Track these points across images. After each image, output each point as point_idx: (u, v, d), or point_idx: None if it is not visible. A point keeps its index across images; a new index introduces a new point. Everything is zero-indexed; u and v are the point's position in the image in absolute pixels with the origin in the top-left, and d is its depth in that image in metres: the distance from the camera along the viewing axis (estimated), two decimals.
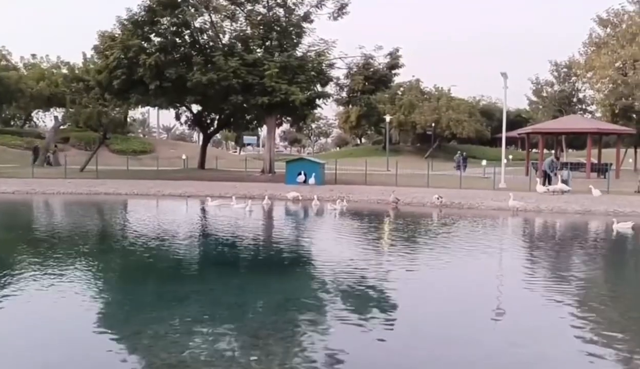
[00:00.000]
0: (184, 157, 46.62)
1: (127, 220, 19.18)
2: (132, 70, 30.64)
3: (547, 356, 6.46)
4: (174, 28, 32.26)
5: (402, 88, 69.28)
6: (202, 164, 42.13)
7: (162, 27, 32.13)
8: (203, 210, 20.84)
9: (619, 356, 6.40)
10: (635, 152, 52.02)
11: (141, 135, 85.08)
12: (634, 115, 44.60)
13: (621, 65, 45.04)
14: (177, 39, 32.89)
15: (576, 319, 7.71)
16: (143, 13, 31.17)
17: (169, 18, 31.53)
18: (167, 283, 9.69)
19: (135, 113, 49.15)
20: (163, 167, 39.65)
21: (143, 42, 31.51)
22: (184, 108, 41.82)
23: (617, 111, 44.22)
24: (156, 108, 48.55)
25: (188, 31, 33.13)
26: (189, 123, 46.36)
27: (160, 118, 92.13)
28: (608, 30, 47.03)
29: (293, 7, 33.34)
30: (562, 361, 6.36)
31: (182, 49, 33.03)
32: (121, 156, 50.69)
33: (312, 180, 27.98)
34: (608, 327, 7.46)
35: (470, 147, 73.00)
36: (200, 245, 14.01)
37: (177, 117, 43.92)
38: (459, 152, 55.18)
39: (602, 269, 11.93)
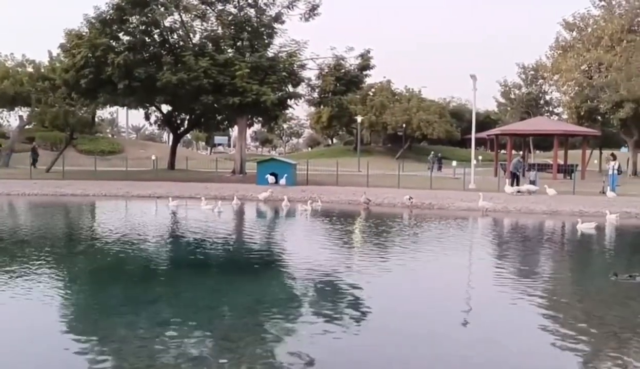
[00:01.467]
0: (153, 157, 45.95)
1: (93, 221, 18.87)
2: (100, 69, 30.10)
3: (516, 352, 6.56)
4: (144, 27, 31.79)
5: (373, 89, 69.58)
6: (172, 165, 41.65)
7: (131, 25, 31.64)
8: (172, 211, 20.61)
9: (584, 353, 6.54)
10: (600, 153, 53.27)
11: (110, 135, 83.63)
12: (599, 117, 45.62)
13: (587, 68, 46.02)
14: (147, 38, 32.43)
15: (542, 317, 7.85)
16: (112, 11, 30.65)
17: (138, 17, 31.05)
18: (136, 285, 9.56)
19: (104, 112, 48.29)
20: (132, 168, 39.07)
21: (111, 41, 30.99)
22: (153, 108, 41.26)
23: (582, 113, 45.15)
24: (125, 108, 47.80)
25: (158, 30, 32.71)
26: (158, 123, 45.75)
27: (130, 118, 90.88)
28: (574, 33, 48.00)
29: (264, 7, 33.22)
30: (530, 357, 6.47)
31: (152, 48, 32.57)
32: (89, 156, 49.73)
33: (283, 181, 27.91)
34: (573, 324, 7.61)
35: (441, 148, 73.70)
36: (168, 246, 13.83)
37: (147, 117, 43.31)
38: (432, 152, 55.97)
39: (567, 268, 12.17)
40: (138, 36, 31.59)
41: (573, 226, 16.90)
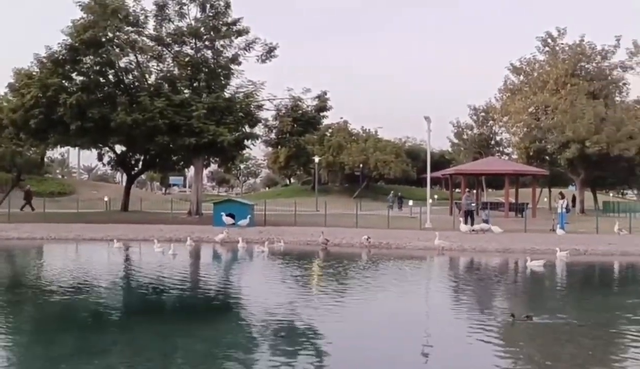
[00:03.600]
0: (106, 198, 44.87)
1: (41, 266, 18.09)
2: (52, 110, 29.47)
3: None
4: (98, 67, 31.44)
5: (330, 130, 70.36)
6: (125, 206, 40.72)
7: (85, 66, 31.26)
8: (125, 256, 20.03)
9: None
10: (550, 191, 54.99)
11: (60, 176, 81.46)
12: (547, 157, 47.30)
13: (534, 110, 47.89)
14: (101, 79, 32.10)
15: (498, 352, 7.90)
16: (64, 51, 30.24)
17: (92, 57, 30.73)
18: (86, 334, 9.15)
19: (54, 153, 47.19)
20: (84, 209, 37.97)
21: (64, 81, 30.50)
22: (107, 148, 40.57)
23: (531, 153, 46.75)
24: (77, 148, 46.81)
25: (112, 71, 32.42)
26: (112, 163, 44.95)
27: (81, 159, 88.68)
28: (521, 77, 50.06)
29: (221, 49, 33.41)
30: None
31: (106, 88, 32.21)
32: (38, 198, 48.18)
33: (245, 222, 27.54)
34: (528, 359, 7.66)
35: (397, 187, 74.70)
36: (120, 292, 13.37)
37: (100, 158, 42.52)
38: (392, 192, 56.81)
39: (517, 304, 12.29)
40: (92, 76, 31.23)
41: (524, 263, 17.26)
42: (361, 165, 68.22)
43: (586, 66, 47.59)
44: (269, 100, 33.32)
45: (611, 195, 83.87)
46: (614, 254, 20.34)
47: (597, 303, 12.22)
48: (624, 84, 48.47)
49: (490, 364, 7.62)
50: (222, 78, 33.72)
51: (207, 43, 33.17)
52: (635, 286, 15.46)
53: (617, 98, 47.88)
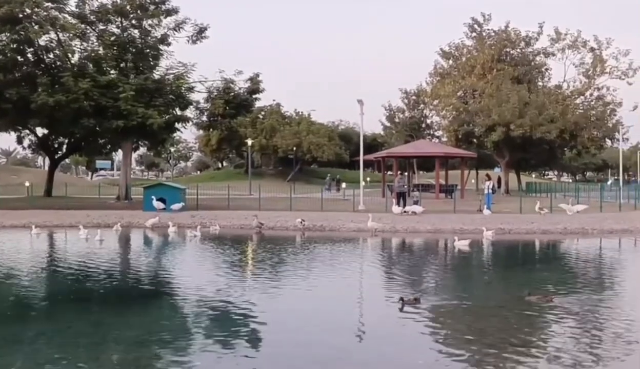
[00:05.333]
0: (27, 184, 42.71)
1: None
2: None
3: (409, 364, 6.71)
4: (15, 45, 29.74)
5: (263, 112, 69.84)
6: (49, 191, 38.93)
7: (1, 43, 29.48)
8: (50, 242, 19.19)
9: (470, 361, 6.82)
10: (477, 173, 57.00)
11: None
12: (475, 140, 48.92)
13: (462, 94, 49.35)
14: (19, 57, 30.37)
15: (429, 329, 8.13)
16: None
17: (8, 34, 28.98)
18: (11, 323, 8.72)
19: None
20: (3, 195, 36.01)
21: None
22: (27, 131, 38.56)
23: (460, 136, 48.23)
24: None
25: (32, 49, 30.74)
26: (32, 147, 42.81)
27: None
28: (450, 62, 51.38)
29: (149, 28, 32.28)
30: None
31: (25, 67, 30.58)
32: None
33: (179, 206, 26.97)
34: (460, 335, 7.96)
35: (331, 170, 75.31)
36: (45, 280, 12.81)
37: (20, 141, 40.39)
38: (329, 175, 57.57)
39: (443, 283, 12.69)
40: (9, 55, 29.49)
41: (452, 243, 17.84)
42: (294, 148, 68.21)
43: (511, 52, 49.41)
44: (200, 82, 32.65)
45: (533, 176, 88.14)
46: (535, 232, 21.38)
47: (520, 279, 12.77)
48: (546, 70, 50.79)
49: (422, 342, 7.84)
50: (150, 59, 32.69)
51: (134, 22, 31.99)
52: (555, 262, 16.28)
53: (540, 83, 50.05)
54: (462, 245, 17.30)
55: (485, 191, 28.63)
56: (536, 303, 9.69)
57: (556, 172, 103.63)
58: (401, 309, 9.22)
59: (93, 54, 32.02)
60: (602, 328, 8.35)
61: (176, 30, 32.14)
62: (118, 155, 56.36)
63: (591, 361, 6.88)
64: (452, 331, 8.39)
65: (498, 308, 9.74)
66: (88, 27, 31.93)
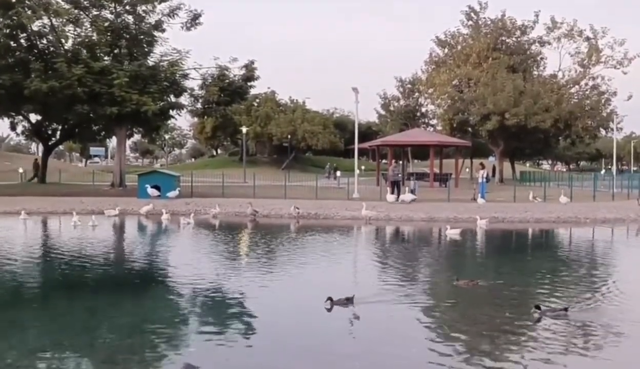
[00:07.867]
0: (21, 170, 42.50)
1: None
2: None
3: (400, 355, 6.76)
4: (8, 30, 29.45)
5: (258, 100, 69.52)
6: (42, 178, 38.77)
7: None
8: (43, 229, 19.16)
9: (459, 351, 6.89)
10: (472, 162, 57.10)
11: None
12: (469, 129, 48.97)
13: (458, 83, 49.30)
14: (12, 43, 30.08)
15: (424, 318, 8.21)
16: None
17: (1, 19, 28.73)
18: (4, 309, 8.74)
19: None
20: None
21: None
22: (20, 117, 38.30)
23: (455, 125, 48.27)
24: None
25: (24, 35, 30.42)
26: (26, 133, 42.52)
27: None
28: (446, 50, 51.27)
29: (143, 15, 31.97)
30: (415, 362, 6.70)
31: (18, 53, 30.28)
32: None
33: (174, 193, 26.92)
34: (451, 323, 8.02)
35: (325, 158, 75.27)
36: (39, 266, 12.81)
37: (13, 127, 40.09)
38: (328, 163, 58.00)
39: (437, 271, 12.78)
40: (2, 40, 29.21)
41: (444, 232, 17.91)
42: (289, 136, 68.09)
43: (507, 40, 49.33)
44: (194, 69, 32.39)
45: (528, 165, 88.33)
46: (529, 221, 21.50)
47: (512, 267, 12.87)
48: (541, 59, 50.76)
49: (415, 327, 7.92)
50: (144, 45, 32.43)
51: (128, 8, 31.65)
52: (548, 250, 16.39)
53: (535, 72, 50.07)
54: (453, 233, 17.36)
55: (480, 180, 28.64)
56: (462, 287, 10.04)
57: (550, 162, 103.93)
58: (329, 310, 8.60)
59: (87, 40, 31.72)
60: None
61: (170, 17, 31.86)
62: (112, 142, 56.11)
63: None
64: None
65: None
66: (81, 13, 31.60)
